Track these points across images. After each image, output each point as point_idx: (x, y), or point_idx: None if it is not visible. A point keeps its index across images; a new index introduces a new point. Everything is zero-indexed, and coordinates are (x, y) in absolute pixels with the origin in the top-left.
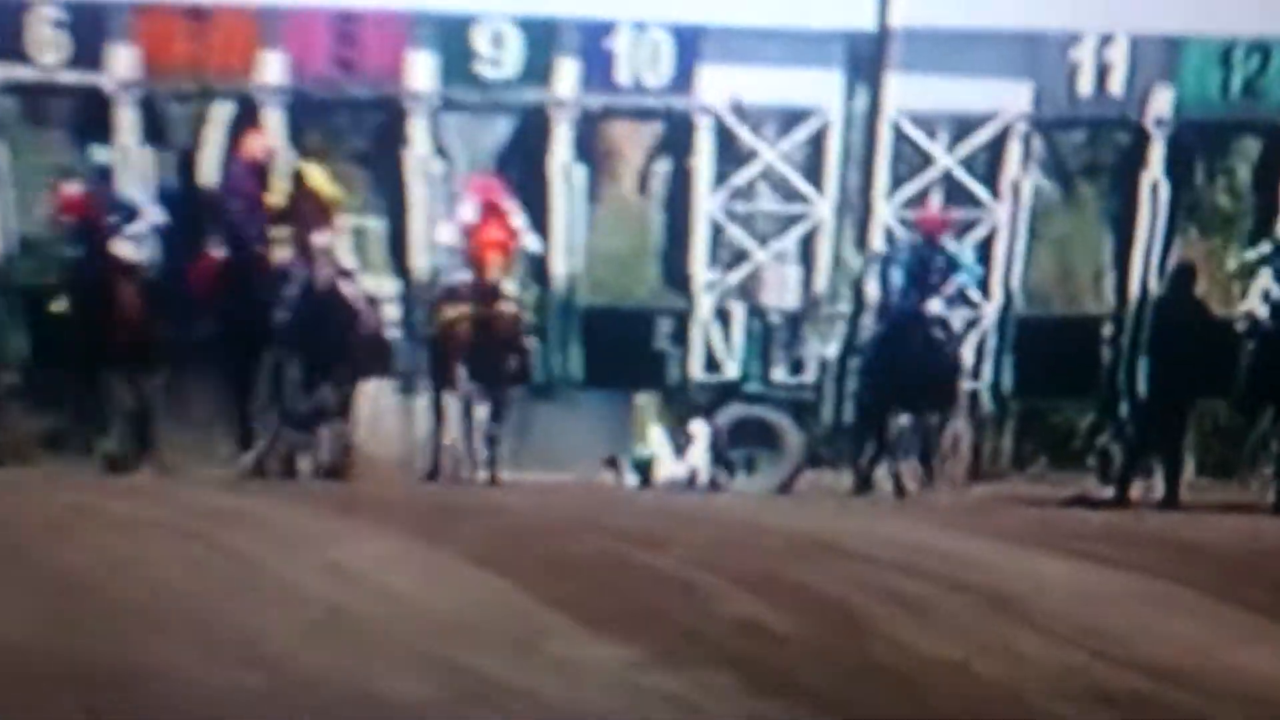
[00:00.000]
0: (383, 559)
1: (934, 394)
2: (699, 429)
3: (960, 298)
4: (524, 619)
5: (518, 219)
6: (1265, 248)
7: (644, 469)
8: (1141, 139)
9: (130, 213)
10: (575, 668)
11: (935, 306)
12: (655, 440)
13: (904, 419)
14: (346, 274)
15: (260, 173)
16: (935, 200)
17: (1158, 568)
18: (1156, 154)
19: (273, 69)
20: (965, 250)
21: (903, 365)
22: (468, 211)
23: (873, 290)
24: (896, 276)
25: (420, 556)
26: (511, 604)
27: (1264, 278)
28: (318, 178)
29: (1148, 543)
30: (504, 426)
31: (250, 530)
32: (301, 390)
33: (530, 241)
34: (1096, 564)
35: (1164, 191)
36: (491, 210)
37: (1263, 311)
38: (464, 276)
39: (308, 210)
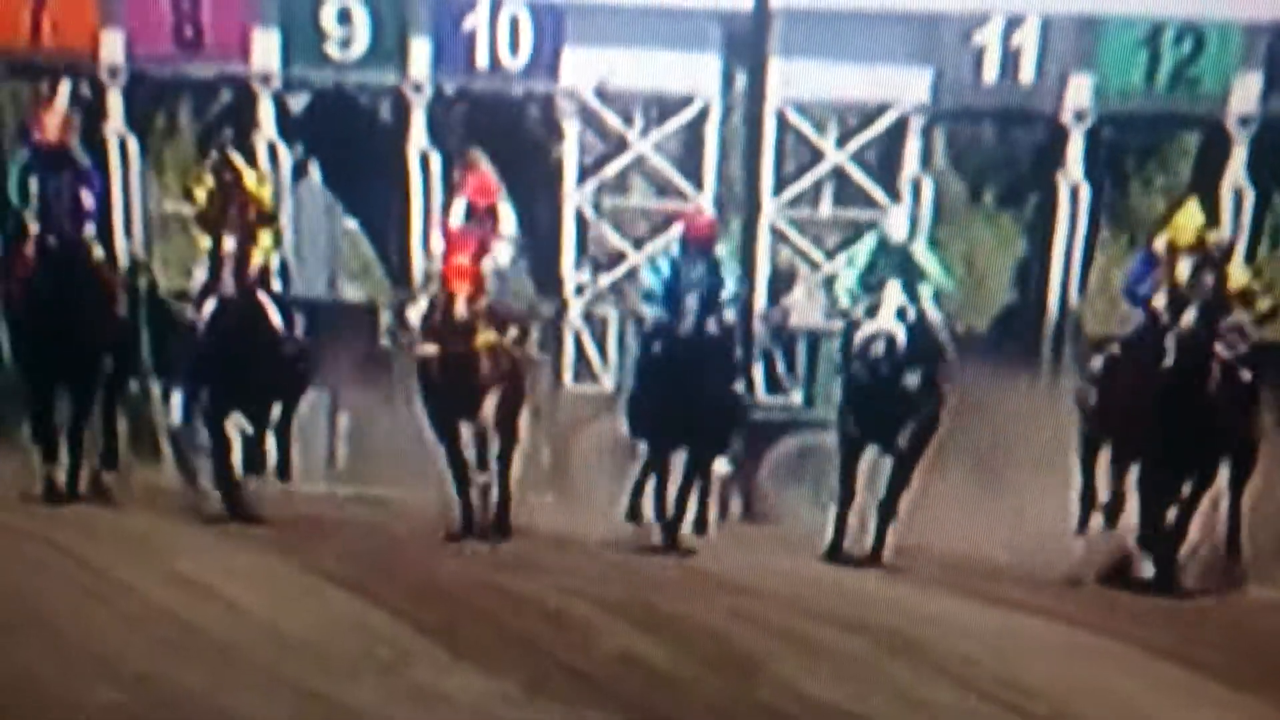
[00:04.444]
0: (232, 572)
1: (708, 428)
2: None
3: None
4: (387, 644)
5: (507, 226)
6: (869, 241)
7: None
8: (1057, 134)
9: None
10: (441, 698)
11: (700, 326)
12: None
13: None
14: (273, 294)
15: (62, 157)
16: (825, 198)
17: (1088, 618)
18: (1075, 151)
19: (111, 47)
20: (730, 262)
21: (671, 396)
22: (455, 216)
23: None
24: (656, 291)
25: (275, 573)
26: (373, 628)
27: (894, 292)
28: (253, 180)
29: (1078, 589)
30: (506, 482)
31: (99, 537)
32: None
33: (501, 254)
34: (1016, 610)
35: (1084, 195)
36: (483, 218)
37: (901, 333)
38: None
39: (237, 217)
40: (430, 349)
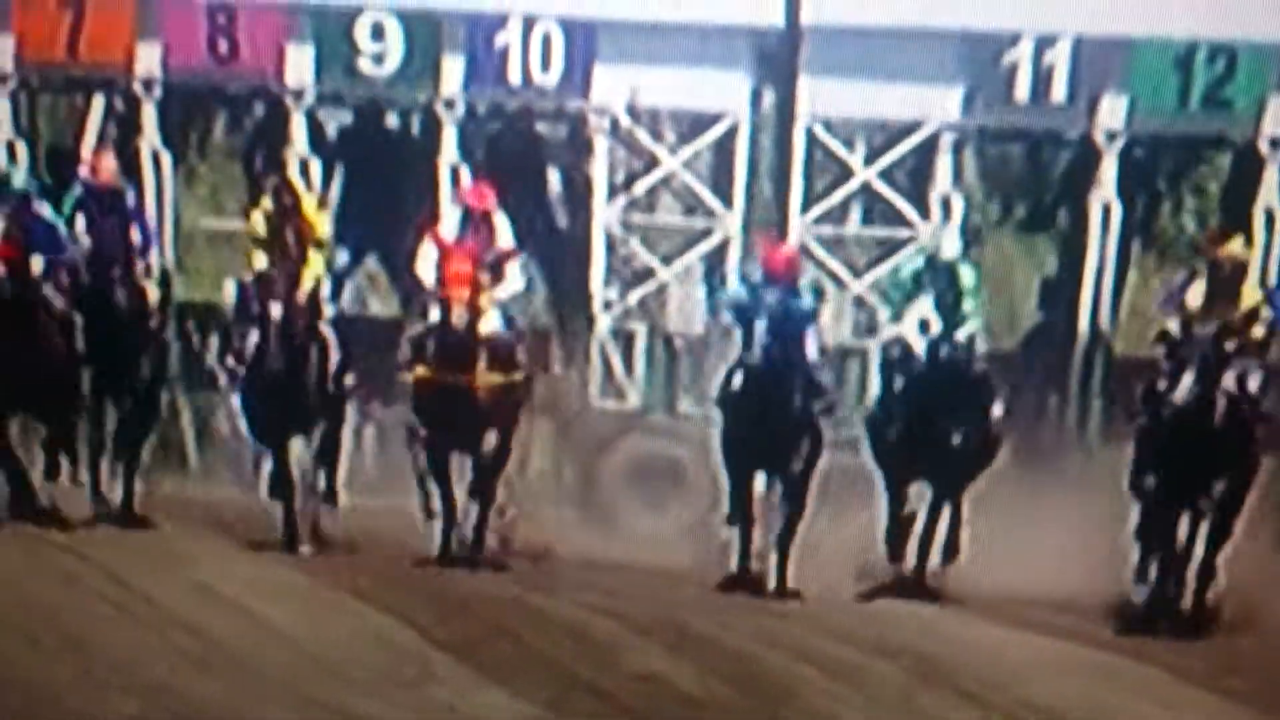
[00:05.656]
0: (257, 586)
1: (793, 457)
2: None
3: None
4: (411, 661)
5: (506, 239)
6: (917, 262)
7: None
8: (1089, 154)
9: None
10: (464, 717)
11: (783, 356)
12: None
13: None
14: (323, 318)
15: (114, 198)
16: (853, 216)
17: (1117, 643)
18: (1107, 172)
19: (147, 59)
20: (808, 294)
21: (761, 423)
22: (449, 227)
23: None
24: (738, 319)
25: (297, 586)
26: (398, 644)
27: (923, 304)
28: (311, 205)
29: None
30: (486, 519)
31: (126, 550)
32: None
33: (513, 277)
34: (1045, 633)
35: (1116, 215)
36: (479, 226)
37: (918, 344)
38: (432, 321)
39: (291, 243)
40: (421, 371)
